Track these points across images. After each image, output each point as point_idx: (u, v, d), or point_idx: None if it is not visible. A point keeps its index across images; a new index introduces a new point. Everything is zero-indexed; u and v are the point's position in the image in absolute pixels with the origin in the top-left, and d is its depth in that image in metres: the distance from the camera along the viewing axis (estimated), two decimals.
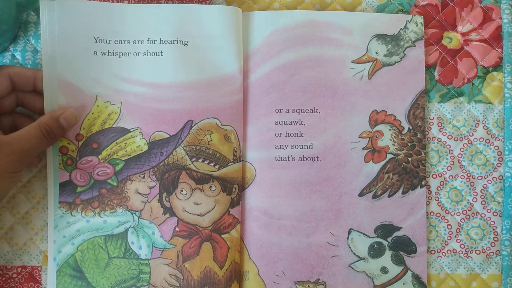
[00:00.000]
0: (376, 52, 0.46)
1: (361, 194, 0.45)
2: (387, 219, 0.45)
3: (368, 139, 0.45)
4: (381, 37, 0.46)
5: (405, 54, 0.46)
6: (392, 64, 0.46)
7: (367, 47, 0.46)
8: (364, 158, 0.45)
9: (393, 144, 0.46)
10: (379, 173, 0.45)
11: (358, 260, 0.45)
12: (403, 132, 0.46)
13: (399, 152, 0.46)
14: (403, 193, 0.45)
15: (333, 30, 0.46)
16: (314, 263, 0.44)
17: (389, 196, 0.45)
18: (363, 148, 0.45)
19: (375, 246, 0.45)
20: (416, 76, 0.46)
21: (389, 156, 0.46)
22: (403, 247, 0.45)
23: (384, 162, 0.45)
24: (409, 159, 0.46)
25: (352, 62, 0.46)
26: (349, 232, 0.45)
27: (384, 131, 0.46)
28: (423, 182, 0.45)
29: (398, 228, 0.45)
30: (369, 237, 0.45)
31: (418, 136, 0.46)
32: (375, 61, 0.46)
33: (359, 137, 0.45)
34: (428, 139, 0.46)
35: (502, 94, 0.47)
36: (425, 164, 0.46)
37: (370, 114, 0.46)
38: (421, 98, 0.46)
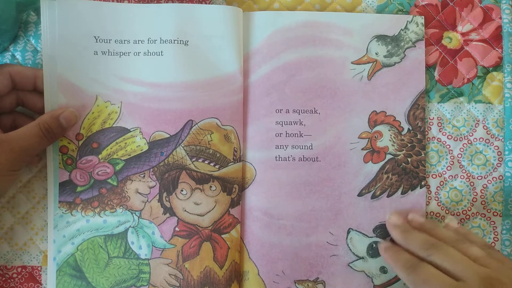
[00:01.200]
0: (376, 53, 0.46)
1: (360, 194, 0.45)
2: (386, 219, 0.45)
3: (367, 139, 0.46)
4: (381, 38, 0.46)
5: (405, 55, 0.46)
6: (392, 65, 0.46)
7: (367, 48, 0.46)
8: (363, 158, 0.45)
9: (392, 145, 0.46)
10: (378, 173, 0.45)
11: (357, 260, 0.45)
12: (403, 133, 0.46)
13: (398, 153, 0.46)
14: (402, 193, 0.45)
15: (333, 31, 0.46)
16: (313, 262, 0.44)
17: (388, 196, 0.45)
18: (362, 149, 0.45)
19: (374, 245, 0.45)
20: (416, 76, 0.46)
21: (389, 156, 0.46)
22: None
23: (383, 162, 0.45)
24: (409, 159, 0.46)
25: (352, 63, 0.46)
26: (348, 232, 0.45)
27: (383, 131, 0.46)
28: (422, 183, 0.45)
29: None
30: (368, 237, 0.45)
31: (418, 137, 0.46)
32: (375, 62, 0.46)
33: (358, 137, 0.45)
34: (428, 139, 0.46)
35: (502, 94, 0.47)
36: (425, 164, 0.46)
37: (370, 115, 0.46)
38: (421, 98, 0.46)
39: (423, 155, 0.46)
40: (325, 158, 0.45)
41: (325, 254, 0.44)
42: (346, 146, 0.45)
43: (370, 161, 0.45)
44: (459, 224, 0.45)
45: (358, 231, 0.45)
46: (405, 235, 0.41)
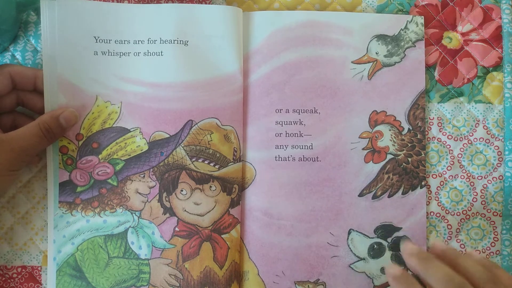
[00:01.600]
0: (376, 53, 0.46)
1: (361, 195, 0.45)
2: (387, 219, 0.45)
3: (368, 139, 0.46)
4: (381, 37, 0.46)
5: (405, 55, 0.46)
6: (392, 65, 0.46)
7: (367, 47, 0.46)
8: (364, 158, 0.45)
9: (393, 145, 0.46)
10: (379, 173, 0.45)
11: (358, 261, 0.45)
12: (403, 133, 0.46)
13: (399, 153, 0.46)
14: (403, 193, 0.45)
15: (334, 31, 0.46)
16: (314, 263, 0.44)
17: (389, 196, 0.45)
18: (363, 149, 0.45)
19: (375, 246, 0.45)
20: (416, 76, 0.46)
21: (389, 156, 0.46)
22: None
23: (384, 162, 0.45)
24: (409, 159, 0.46)
25: (352, 62, 0.46)
26: (349, 233, 0.45)
27: (384, 131, 0.46)
28: (423, 183, 0.45)
29: (398, 229, 0.45)
30: (369, 238, 0.45)
31: (418, 137, 0.46)
32: (375, 62, 0.46)
33: (359, 137, 0.45)
34: (428, 139, 0.46)
35: (502, 94, 0.47)
36: (425, 164, 0.46)
37: (370, 115, 0.46)
38: (421, 98, 0.46)
39: (423, 155, 0.46)
40: (325, 158, 0.45)
41: (325, 255, 0.44)
42: (346, 146, 0.45)
43: (371, 161, 0.45)
44: (480, 253, 0.42)
45: (359, 232, 0.45)
46: (425, 265, 0.34)
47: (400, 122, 0.46)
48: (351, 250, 0.45)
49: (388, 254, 0.45)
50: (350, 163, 0.45)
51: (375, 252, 0.45)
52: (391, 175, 0.45)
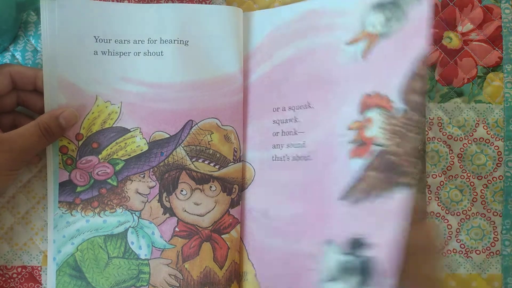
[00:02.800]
0: (373, 26, 0.40)
1: (344, 197, 0.39)
2: (368, 228, 0.38)
3: (356, 131, 0.40)
4: (378, 6, 0.40)
5: (406, 17, 0.38)
6: (391, 34, 0.39)
7: (363, 23, 0.40)
8: (350, 153, 0.40)
9: (382, 133, 0.38)
10: (364, 171, 0.38)
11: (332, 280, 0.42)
12: (397, 115, 0.37)
13: (388, 143, 0.37)
14: (389, 193, 0.36)
15: (329, 15, 0.42)
16: (299, 272, 0.43)
17: (372, 198, 0.38)
18: (349, 142, 0.40)
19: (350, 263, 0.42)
20: (417, 39, 0.36)
21: (377, 148, 0.38)
22: None
23: (371, 158, 0.38)
24: (399, 150, 0.37)
25: (346, 44, 0.41)
26: (326, 244, 0.40)
27: (373, 117, 0.38)
28: (412, 182, 0.37)
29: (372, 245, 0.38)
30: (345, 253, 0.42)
31: (415, 118, 0.36)
32: (371, 37, 0.40)
33: (348, 129, 0.40)
34: (428, 139, 0.46)
35: (502, 94, 0.47)
36: (424, 161, 0.46)
37: (361, 99, 0.39)
38: (422, 65, 0.36)
39: (418, 145, 0.37)
40: (316, 156, 0.42)
41: (309, 264, 0.42)
42: (335, 140, 0.41)
43: (357, 157, 0.39)
44: None
45: (335, 245, 0.39)
46: None
47: (394, 102, 0.37)
48: (327, 265, 0.39)
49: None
50: (338, 159, 0.40)
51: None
52: (378, 172, 0.38)
